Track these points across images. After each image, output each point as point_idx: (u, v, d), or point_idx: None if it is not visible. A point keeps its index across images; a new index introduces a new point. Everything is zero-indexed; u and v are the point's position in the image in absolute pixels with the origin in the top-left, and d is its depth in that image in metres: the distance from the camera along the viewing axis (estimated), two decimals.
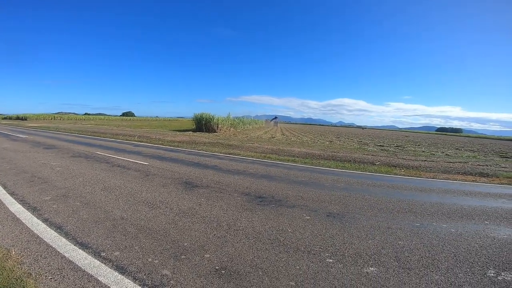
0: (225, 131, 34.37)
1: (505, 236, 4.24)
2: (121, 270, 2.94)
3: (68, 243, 3.50)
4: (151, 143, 16.91)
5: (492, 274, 3.10)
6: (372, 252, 3.52)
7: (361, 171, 10.09)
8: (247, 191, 6.25)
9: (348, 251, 3.53)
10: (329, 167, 10.52)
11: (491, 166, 12.80)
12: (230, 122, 38.76)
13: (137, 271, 2.93)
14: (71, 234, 3.76)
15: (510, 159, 17.68)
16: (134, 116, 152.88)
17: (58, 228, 3.92)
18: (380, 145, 24.49)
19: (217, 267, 3.05)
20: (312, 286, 2.77)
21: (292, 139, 27.31)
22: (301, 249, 3.54)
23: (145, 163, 9.36)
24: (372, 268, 3.13)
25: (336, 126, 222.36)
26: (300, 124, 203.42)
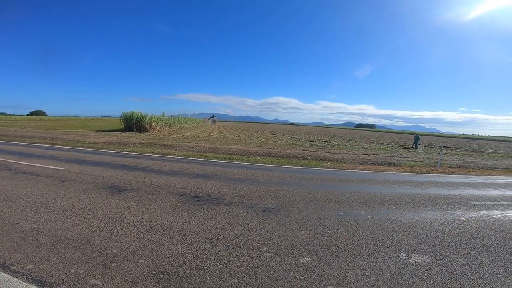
0: (159, 131, 32.39)
1: (410, 220, 4.94)
2: (39, 283, 2.64)
3: None
4: (67, 146, 14.71)
5: (404, 257, 3.52)
6: (305, 243, 3.75)
7: (293, 165, 10.74)
8: (182, 192, 5.99)
9: (284, 244, 3.68)
10: (265, 163, 10.91)
11: (396, 156, 15.20)
12: (164, 121, 36.67)
13: (59, 283, 2.61)
14: None
15: (411, 150, 21.34)
16: (46, 115, 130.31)
17: None
18: (310, 141, 26.58)
19: (154, 272, 2.86)
20: (254, 281, 2.81)
21: (230, 137, 27.43)
22: (240, 246, 3.56)
23: (60, 168, 8.09)
24: (307, 258, 3.33)
25: (272, 124, 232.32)
26: (238, 122, 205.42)
